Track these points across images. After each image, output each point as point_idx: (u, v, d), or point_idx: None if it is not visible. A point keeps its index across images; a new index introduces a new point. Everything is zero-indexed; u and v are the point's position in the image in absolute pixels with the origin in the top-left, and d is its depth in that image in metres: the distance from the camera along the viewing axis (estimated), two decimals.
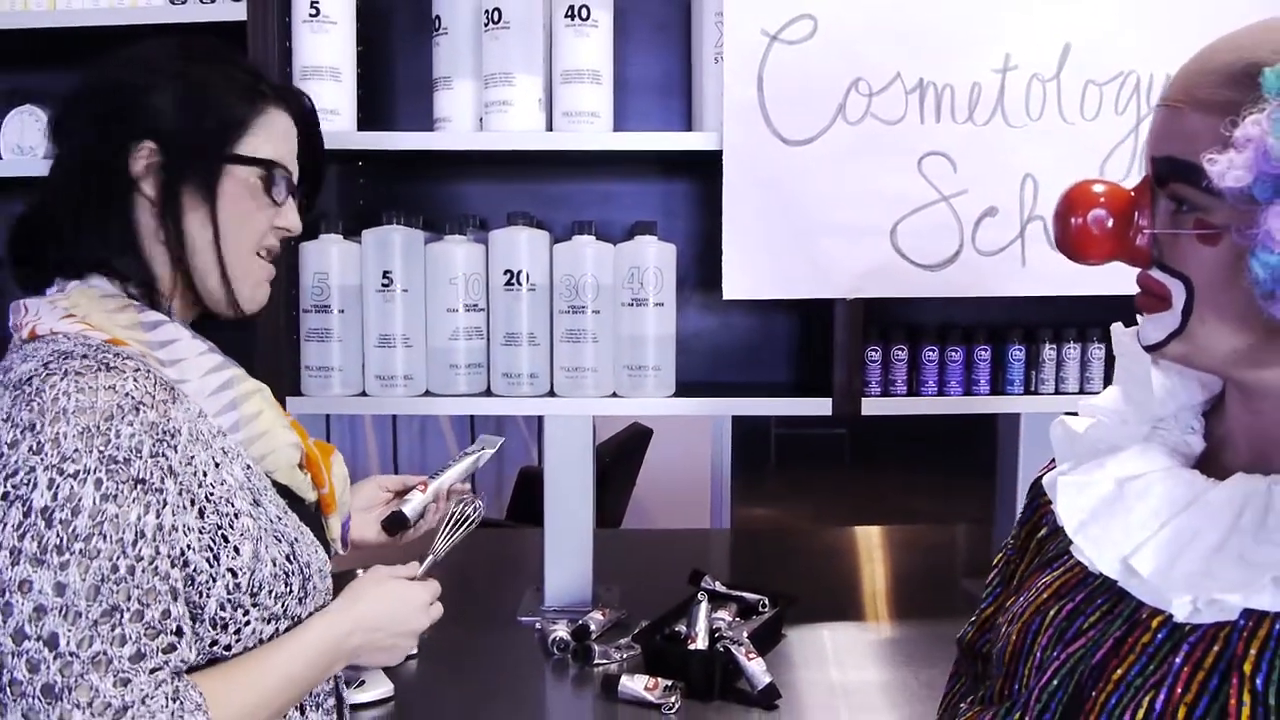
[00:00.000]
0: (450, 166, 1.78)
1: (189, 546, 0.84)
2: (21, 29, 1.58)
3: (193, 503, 0.86)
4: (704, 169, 1.64)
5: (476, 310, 1.59)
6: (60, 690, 0.76)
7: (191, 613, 0.85)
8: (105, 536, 0.79)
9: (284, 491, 0.99)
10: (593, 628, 1.67)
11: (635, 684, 1.47)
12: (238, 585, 0.87)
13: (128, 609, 0.79)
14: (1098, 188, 0.72)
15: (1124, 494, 0.73)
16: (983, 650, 0.91)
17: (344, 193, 1.76)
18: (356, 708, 1.47)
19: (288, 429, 0.99)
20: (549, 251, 1.59)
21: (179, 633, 0.83)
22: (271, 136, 0.98)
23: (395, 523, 1.21)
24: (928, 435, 6.59)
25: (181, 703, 0.81)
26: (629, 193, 1.79)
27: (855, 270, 1.55)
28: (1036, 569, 0.84)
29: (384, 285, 1.57)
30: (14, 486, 0.79)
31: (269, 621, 0.91)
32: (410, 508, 1.21)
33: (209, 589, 0.86)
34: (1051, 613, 0.76)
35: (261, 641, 0.91)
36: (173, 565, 0.83)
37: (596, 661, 1.60)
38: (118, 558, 0.79)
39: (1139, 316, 0.75)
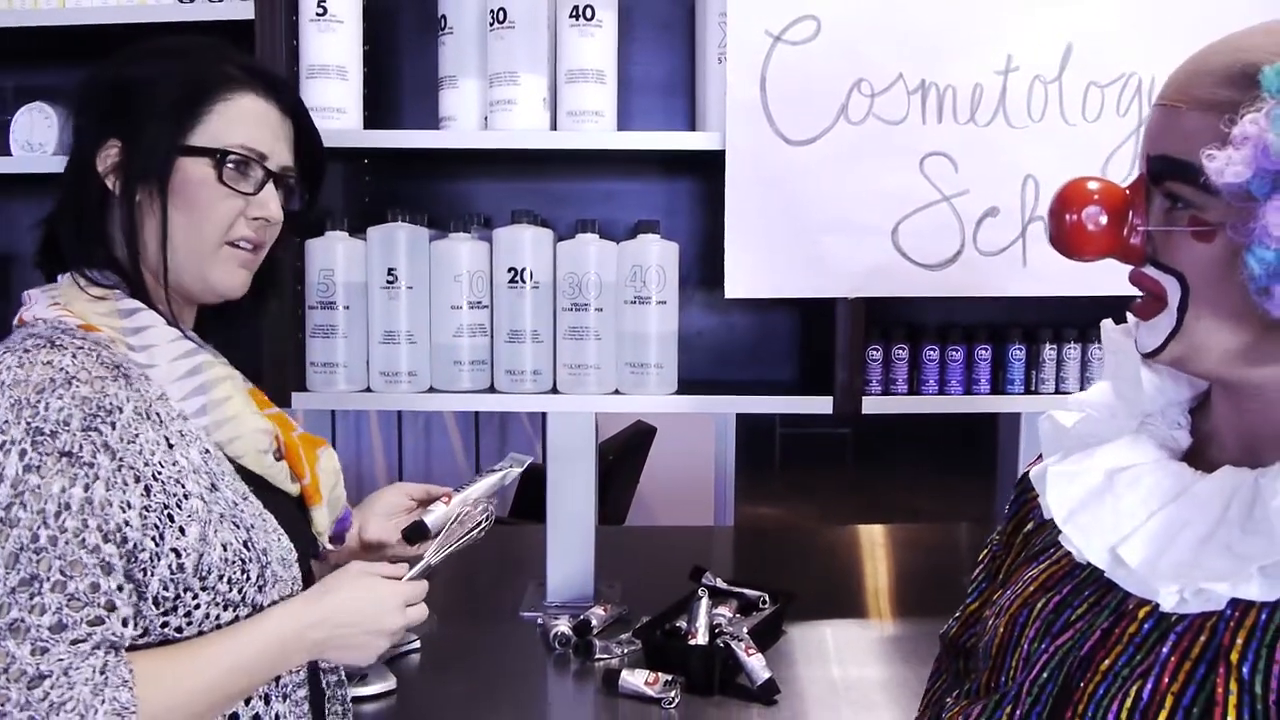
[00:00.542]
0: (455, 165, 1.79)
1: (126, 523, 0.84)
2: (31, 27, 1.59)
3: (137, 479, 0.85)
4: (707, 168, 1.65)
5: (480, 307, 1.60)
6: None
7: (138, 590, 0.85)
8: (25, 506, 0.80)
9: (255, 479, 0.99)
10: (594, 623, 1.68)
11: (636, 679, 1.48)
12: (181, 566, 0.87)
13: (48, 579, 0.80)
14: (1092, 184, 0.73)
15: (1113, 484, 0.74)
16: (966, 645, 0.92)
17: (350, 190, 1.78)
18: (358, 700, 1.48)
19: (257, 415, 1.00)
20: (552, 249, 1.60)
21: (110, 606, 0.82)
22: (237, 123, 0.97)
23: (416, 532, 1.19)
24: (930, 435, 6.60)
25: (107, 677, 0.81)
26: (632, 191, 1.80)
27: (857, 269, 1.55)
28: (1024, 562, 0.85)
29: (389, 282, 1.58)
30: None
31: (227, 608, 0.91)
32: (433, 519, 1.19)
33: (153, 567, 0.85)
34: (1039, 605, 0.76)
35: (220, 627, 0.91)
36: (106, 540, 0.82)
37: (597, 656, 1.61)
38: (38, 528, 0.80)
39: (1130, 319, 0.76)
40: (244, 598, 0.92)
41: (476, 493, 1.24)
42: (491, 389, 1.63)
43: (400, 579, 1.04)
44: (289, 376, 1.58)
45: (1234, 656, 0.64)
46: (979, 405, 1.65)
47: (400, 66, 1.78)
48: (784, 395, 1.63)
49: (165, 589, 0.86)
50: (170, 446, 0.90)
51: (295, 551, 1.00)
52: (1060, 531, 0.75)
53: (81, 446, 0.83)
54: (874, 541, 2.37)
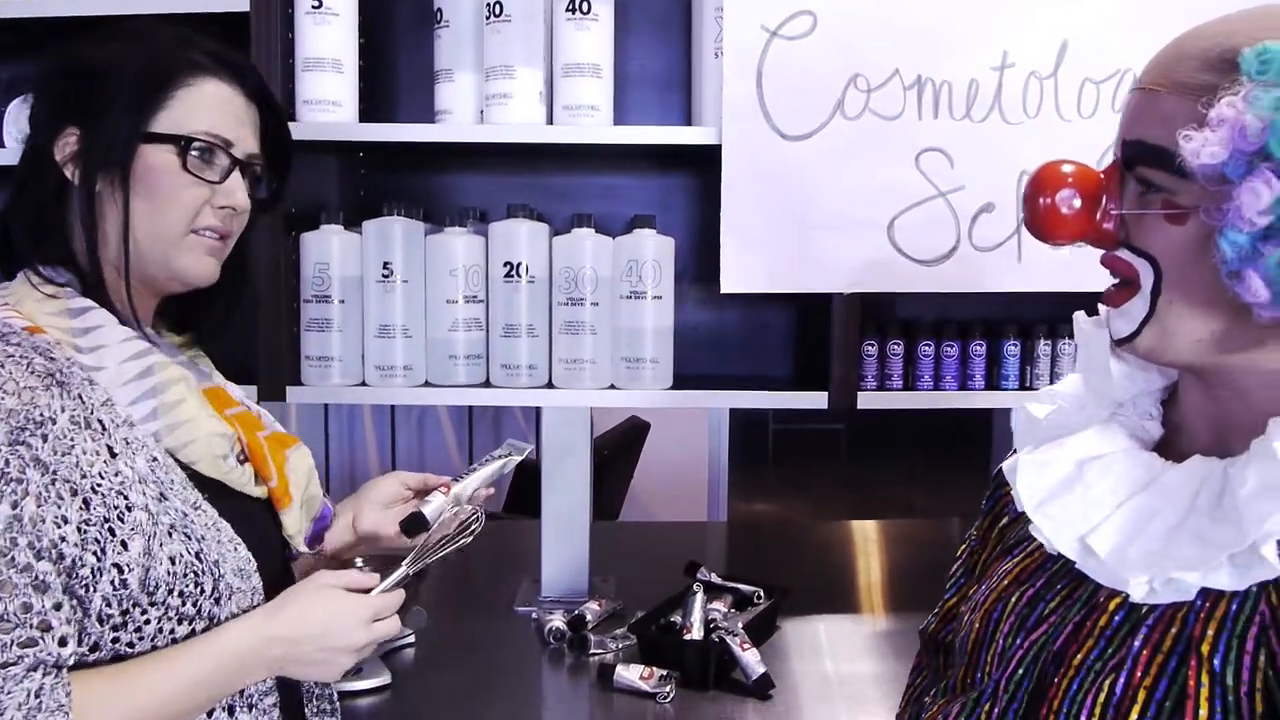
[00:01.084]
0: (451, 158, 1.79)
1: (63, 538, 0.80)
2: (23, 18, 1.58)
3: (74, 493, 0.82)
4: (703, 163, 1.65)
5: (476, 302, 1.60)
6: None
7: (81, 607, 0.82)
8: None
9: (214, 486, 0.95)
10: (589, 618, 1.68)
11: (631, 674, 1.48)
12: (125, 582, 0.83)
13: None
14: (1066, 168, 0.73)
15: (1083, 474, 0.74)
16: (945, 641, 0.92)
17: (345, 184, 1.77)
18: (353, 695, 1.48)
19: (214, 418, 0.95)
20: (548, 244, 1.60)
21: (44, 627, 0.79)
22: (200, 109, 0.94)
23: (414, 524, 1.15)
24: (924, 431, 6.61)
25: (41, 701, 0.77)
26: (628, 186, 1.80)
27: (852, 265, 1.56)
28: (998, 556, 0.85)
29: (384, 276, 1.58)
30: None
31: (181, 622, 0.87)
32: (430, 510, 1.16)
33: (94, 583, 0.82)
34: (1013, 599, 0.77)
35: (175, 642, 0.87)
36: (39, 558, 0.79)
37: (592, 651, 1.61)
38: None
39: (1103, 309, 0.76)
40: (199, 611, 0.89)
41: (475, 482, 1.21)
42: (487, 383, 1.62)
43: (369, 590, 0.99)
44: (284, 370, 1.58)
45: (1205, 648, 0.64)
46: (974, 401, 1.65)
47: (396, 60, 1.77)
48: (779, 390, 1.63)
49: (109, 605, 0.83)
50: (113, 455, 0.86)
51: (254, 561, 0.96)
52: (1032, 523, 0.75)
53: (8, 462, 0.79)
54: (867, 537, 2.38)
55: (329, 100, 1.55)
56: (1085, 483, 0.73)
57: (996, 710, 0.74)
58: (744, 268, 1.56)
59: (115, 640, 0.84)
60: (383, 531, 1.18)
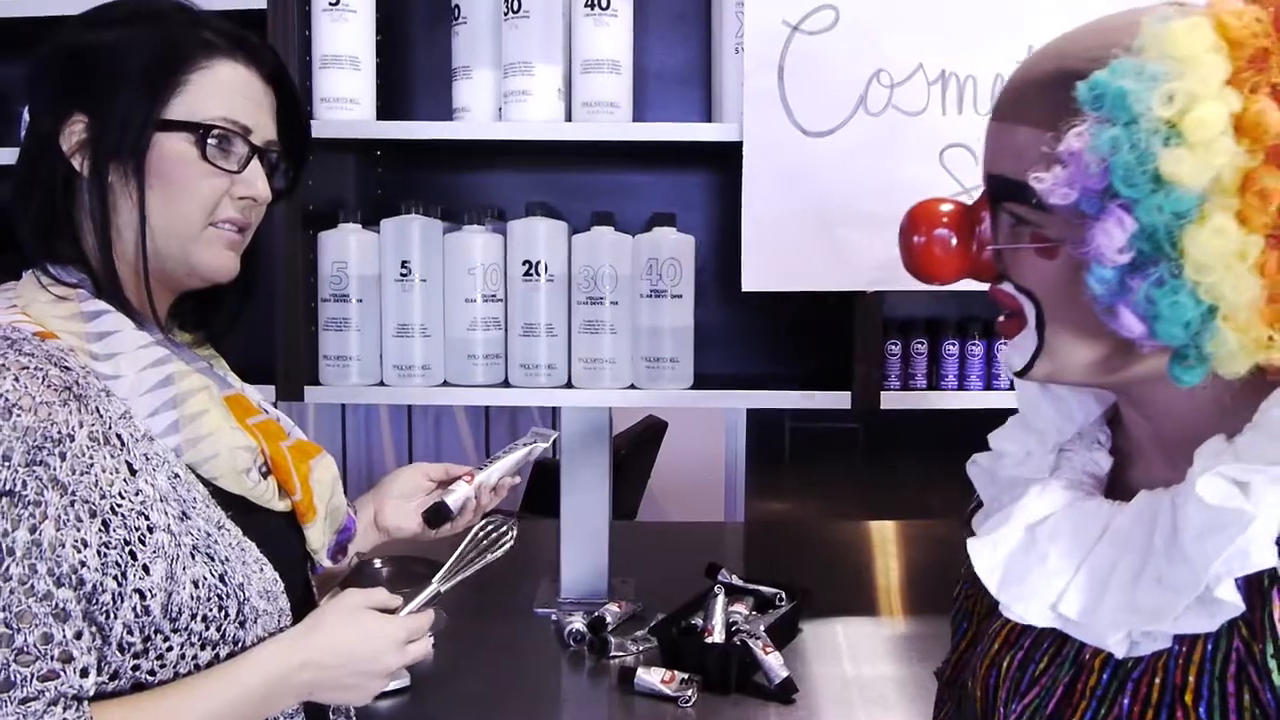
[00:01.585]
0: (469, 156, 1.77)
1: (83, 563, 0.76)
2: (39, 16, 1.58)
3: (93, 514, 0.77)
4: (723, 160, 1.63)
5: (494, 301, 1.58)
6: None
7: (101, 634, 0.77)
8: None
9: (237, 501, 0.90)
10: (609, 620, 1.66)
11: (652, 677, 1.47)
12: (147, 608, 0.79)
13: None
14: (943, 206, 0.72)
15: (1035, 540, 0.72)
16: (962, 685, 0.90)
17: (363, 182, 1.76)
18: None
19: (237, 430, 0.90)
20: (567, 242, 1.58)
21: (65, 658, 0.75)
22: (216, 93, 0.88)
23: (437, 515, 1.13)
24: (942, 429, 6.56)
25: None
26: (648, 183, 1.78)
27: (875, 262, 1.53)
28: (986, 614, 0.84)
29: (402, 275, 1.57)
30: None
31: (204, 647, 0.83)
32: (454, 499, 1.13)
33: (115, 609, 0.77)
34: (1004, 663, 0.75)
35: (198, 667, 0.83)
36: (59, 585, 0.74)
37: (613, 654, 1.60)
38: None
39: (1001, 346, 0.75)
40: (224, 635, 0.84)
41: (499, 471, 1.17)
42: (505, 383, 1.61)
43: (398, 610, 0.96)
44: (301, 370, 1.57)
45: (1188, 698, 0.62)
46: (999, 400, 1.63)
47: (413, 57, 1.76)
48: (801, 390, 1.61)
49: (131, 633, 0.79)
50: (133, 473, 0.81)
51: (281, 582, 0.91)
52: None
53: (25, 484, 0.74)
54: (885, 537, 2.35)
55: (346, 98, 1.54)
56: (1040, 550, 0.71)
57: None
58: (765, 266, 1.54)
59: (135, 668, 0.80)
60: (405, 525, 1.15)
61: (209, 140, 0.88)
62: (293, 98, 0.98)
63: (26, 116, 1.64)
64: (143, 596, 0.79)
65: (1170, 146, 0.58)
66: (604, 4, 1.52)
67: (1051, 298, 0.67)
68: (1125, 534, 0.67)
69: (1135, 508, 0.68)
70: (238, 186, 0.90)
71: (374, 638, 0.92)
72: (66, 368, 0.81)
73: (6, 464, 0.74)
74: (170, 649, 0.81)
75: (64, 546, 0.75)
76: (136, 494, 0.80)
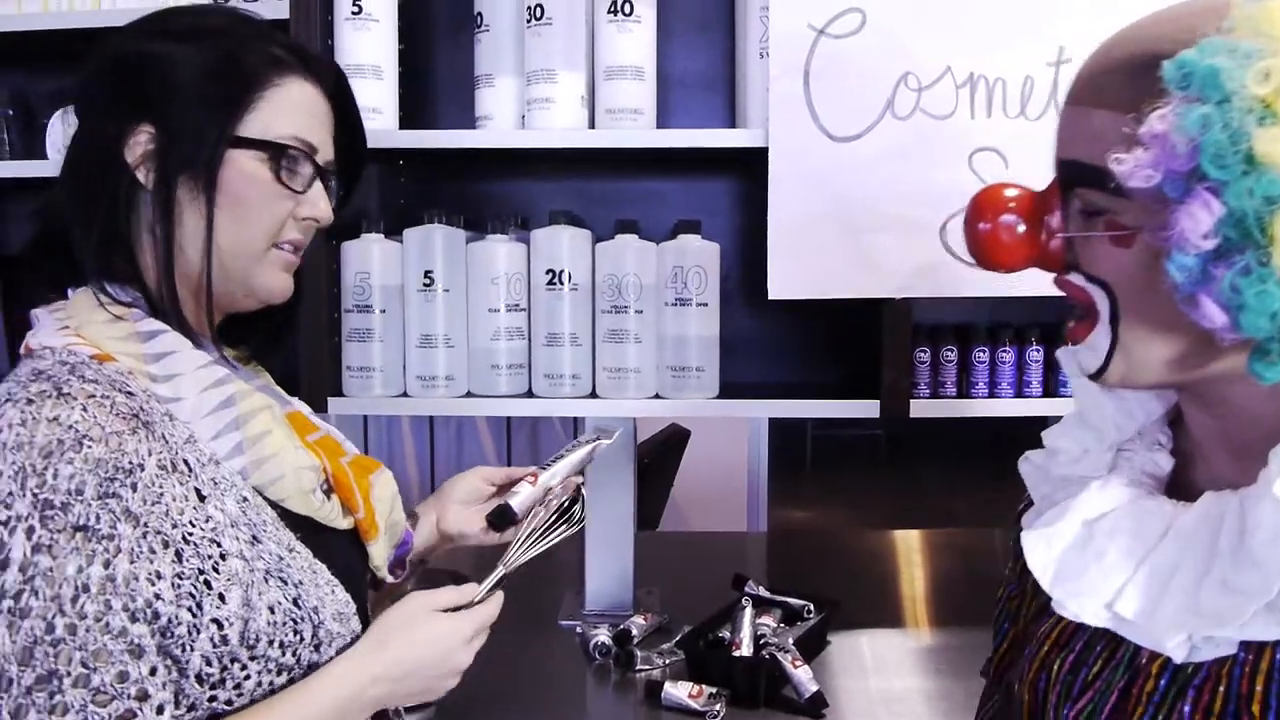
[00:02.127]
0: (492, 165, 1.76)
1: (158, 596, 0.73)
2: (66, 29, 1.58)
3: (166, 545, 0.74)
4: (748, 166, 1.61)
5: (518, 310, 1.57)
6: None
7: (178, 667, 0.75)
8: (37, 593, 0.69)
9: (303, 522, 0.88)
10: (634, 632, 1.64)
11: (679, 691, 1.44)
12: (224, 638, 0.76)
13: (68, 673, 0.69)
14: (1009, 191, 0.70)
15: (1094, 536, 0.70)
16: (1008, 685, 0.87)
17: (385, 191, 1.75)
18: (396, 711, 1.45)
19: (300, 450, 0.88)
20: (591, 251, 1.57)
21: (142, 696, 0.72)
22: (288, 111, 0.86)
23: (501, 518, 1.10)
24: (965, 436, 6.52)
25: None
26: (672, 191, 1.76)
27: (904, 269, 1.51)
28: (1035, 614, 0.82)
29: (425, 285, 1.56)
30: None
31: (281, 673, 0.81)
32: (518, 501, 1.09)
33: (192, 642, 0.75)
34: (1055, 666, 0.73)
35: (272, 691, 0.81)
36: (134, 620, 0.72)
37: (639, 667, 1.57)
38: (53, 617, 0.69)
39: (1063, 351, 0.72)
40: (299, 660, 0.82)
41: (564, 470, 1.14)
42: (529, 393, 1.60)
43: (467, 603, 0.94)
44: (325, 381, 1.56)
45: (1255, 708, 0.60)
46: (1030, 408, 1.60)
47: (436, 65, 1.75)
48: (829, 399, 1.59)
49: (209, 664, 0.76)
50: (202, 499, 0.78)
51: (354, 603, 0.90)
52: None
53: (99, 517, 0.72)
54: (910, 547, 2.32)
55: (369, 107, 1.53)
56: (1097, 547, 0.69)
57: None
58: (792, 273, 1.52)
59: (213, 699, 0.77)
60: (468, 530, 1.13)
61: (281, 161, 0.86)
62: (353, 116, 0.97)
63: (58, 125, 1.66)
64: (220, 626, 0.77)
65: (1265, 126, 0.55)
66: (627, 10, 1.51)
67: (1127, 288, 0.64)
68: (1189, 535, 0.65)
69: (1201, 508, 0.66)
70: (302, 207, 0.89)
71: (441, 640, 0.90)
72: (130, 393, 0.79)
73: (79, 497, 0.72)
74: (248, 677, 0.79)
75: (138, 580, 0.73)
76: (207, 520, 0.78)
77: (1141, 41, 0.64)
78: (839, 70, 1.47)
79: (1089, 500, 0.71)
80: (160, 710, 0.73)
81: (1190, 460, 0.73)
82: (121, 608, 0.72)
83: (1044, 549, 0.71)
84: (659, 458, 3.26)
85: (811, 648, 1.62)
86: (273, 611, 0.80)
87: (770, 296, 1.51)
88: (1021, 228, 0.69)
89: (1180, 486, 0.72)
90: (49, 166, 1.65)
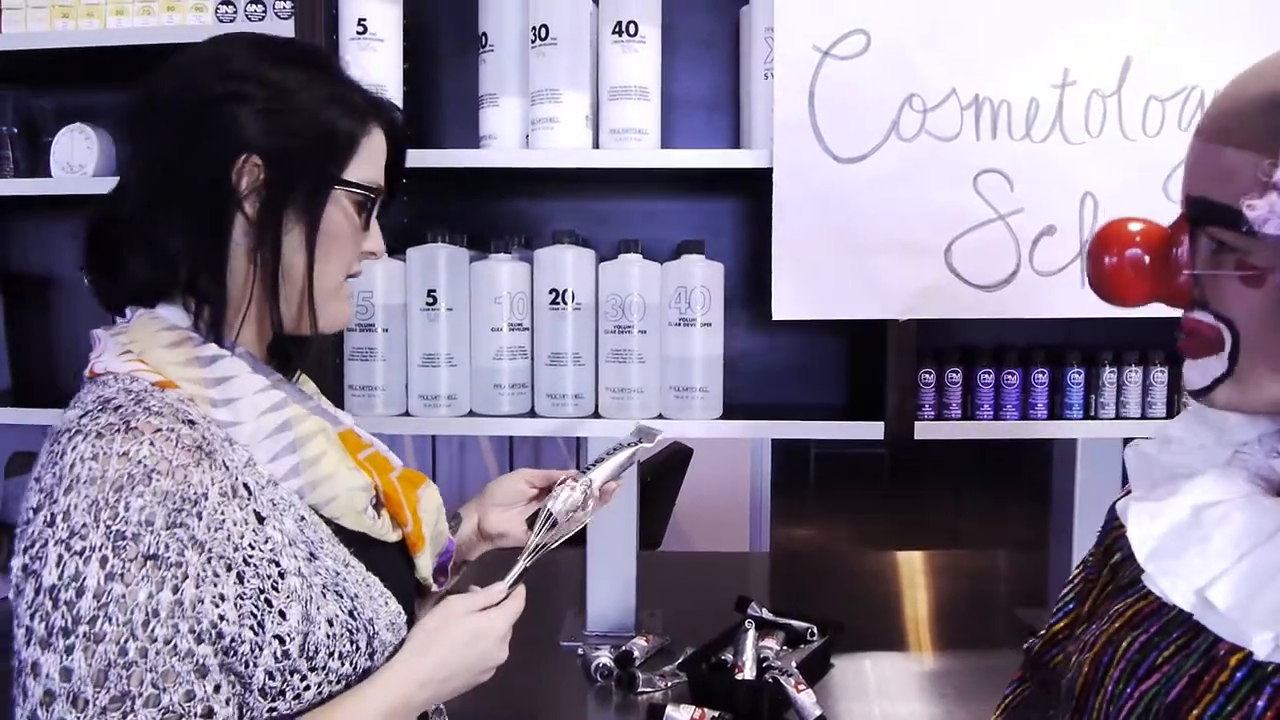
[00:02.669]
0: (496, 184, 1.76)
1: (222, 617, 0.78)
2: (72, 48, 1.59)
3: (229, 568, 0.79)
4: (752, 187, 1.61)
5: (521, 329, 1.57)
6: None
7: (242, 683, 0.79)
8: (111, 619, 0.73)
9: (356, 537, 0.92)
10: (636, 654, 1.63)
11: (681, 714, 1.43)
12: (286, 652, 0.81)
13: (140, 694, 0.74)
14: (1134, 226, 0.70)
15: (1200, 521, 0.69)
16: (1049, 663, 0.88)
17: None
18: None
19: (353, 470, 0.92)
20: (595, 270, 1.57)
21: (208, 714, 0.76)
22: (374, 158, 0.93)
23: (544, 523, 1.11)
24: (969, 457, 6.50)
25: None
26: (676, 211, 1.76)
27: (908, 290, 1.51)
28: (1110, 594, 0.81)
29: (428, 304, 1.55)
30: (30, 559, 0.75)
31: (339, 682, 0.85)
32: (559, 504, 1.10)
33: (255, 658, 0.79)
34: (1124, 644, 0.72)
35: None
36: (199, 641, 0.76)
37: (641, 690, 1.56)
38: (126, 641, 0.74)
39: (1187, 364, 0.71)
40: (355, 669, 0.86)
41: (605, 473, 1.14)
42: (532, 413, 1.59)
43: (498, 602, 0.98)
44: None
45: None
46: (1036, 431, 1.59)
47: (440, 84, 1.76)
48: (833, 420, 1.58)
49: (272, 678, 0.80)
50: (261, 521, 0.82)
51: (404, 614, 0.94)
52: None
53: (167, 546, 0.76)
54: (914, 568, 2.31)
55: None
56: (1203, 532, 0.68)
57: None
58: (796, 294, 1.51)
59: (272, 710, 0.81)
60: (510, 531, 1.17)
61: (367, 203, 0.92)
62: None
63: (64, 142, 1.66)
64: (281, 641, 0.81)
65: None
66: (632, 30, 1.51)
67: (1254, 328, 0.64)
68: None
69: None
70: (366, 243, 0.95)
71: (480, 639, 0.95)
72: (192, 422, 0.82)
73: (149, 528, 0.76)
74: (308, 688, 0.82)
75: (203, 603, 0.77)
76: (266, 542, 0.82)
77: (1276, 80, 0.63)
78: (844, 92, 1.47)
79: (1204, 485, 0.71)
80: None
81: None
82: (188, 630, 0.76)
83: (1148, 522, 0.71)
84: (661, 477, 3.24)
85: (815, 671, 1.61)
86: (331, 624, 0.84)
87: (775, 317, 1.51)
88: (1148, 261, 0.69)
89: None
90: (53, 184, 1.65)
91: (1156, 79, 1.48)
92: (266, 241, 0.87)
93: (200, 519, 0.78)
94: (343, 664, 0.85)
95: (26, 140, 1.76)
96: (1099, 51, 1.48)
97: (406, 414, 1.59)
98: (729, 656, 1.56)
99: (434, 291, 1.55)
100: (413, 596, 1.01)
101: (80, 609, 0.73)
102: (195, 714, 0.76)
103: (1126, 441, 0.90)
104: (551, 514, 1.09)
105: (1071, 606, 0.88)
